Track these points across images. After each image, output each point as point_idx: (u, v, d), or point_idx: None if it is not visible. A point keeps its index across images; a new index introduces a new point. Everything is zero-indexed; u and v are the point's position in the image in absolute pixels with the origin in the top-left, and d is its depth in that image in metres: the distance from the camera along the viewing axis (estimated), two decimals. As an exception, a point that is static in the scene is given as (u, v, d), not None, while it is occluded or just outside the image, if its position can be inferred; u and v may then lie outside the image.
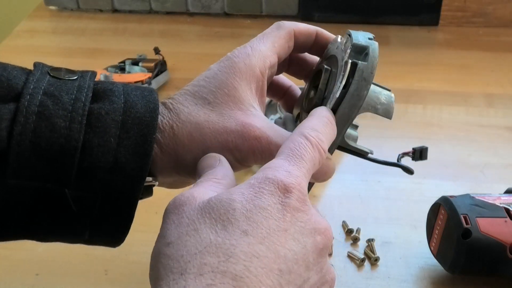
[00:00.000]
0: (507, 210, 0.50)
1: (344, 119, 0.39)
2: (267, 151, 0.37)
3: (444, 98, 0.81)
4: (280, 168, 0.33)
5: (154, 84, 0.81)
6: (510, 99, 0.81)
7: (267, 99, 0.51)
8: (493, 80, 0.86)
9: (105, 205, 0.36)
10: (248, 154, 0.38)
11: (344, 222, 0.59)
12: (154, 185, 0.39)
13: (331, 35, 0.44)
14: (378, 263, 0.55)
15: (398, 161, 0.45)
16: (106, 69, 0.82)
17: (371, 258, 0.55)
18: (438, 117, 0.78)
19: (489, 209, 0.50)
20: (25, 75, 0.36)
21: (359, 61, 0.38)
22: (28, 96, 0.34)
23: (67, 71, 0.38)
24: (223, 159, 0.37)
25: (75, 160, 0.34)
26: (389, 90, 0.42)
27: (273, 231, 0.30)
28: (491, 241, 0.48)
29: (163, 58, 0.86)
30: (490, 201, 0.51)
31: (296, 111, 0.46)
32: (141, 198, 0.37)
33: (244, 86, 0.39)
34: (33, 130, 0.33)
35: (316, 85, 0.42)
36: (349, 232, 0.58)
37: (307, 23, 0.44)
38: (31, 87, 0.35)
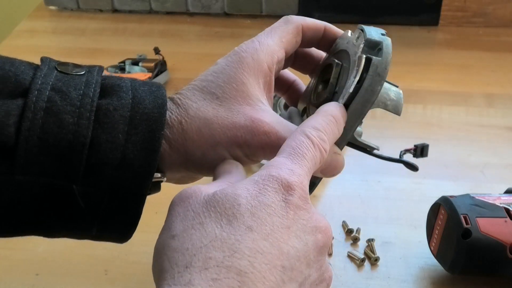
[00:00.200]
0: (507, 210, 0.50)
1: (356, 114, 0.39)
2: (276, 146, 0.37)
3: (444, 98, 0.81)
4: (283, 166, 0.33)
5: (154, 84, 0.81)
6: (510, 99, 0.81)
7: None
8: (493, 80, 0.86)
9: (113, 201, 0.36)
10: (258, 149, 0.38)
11: (344, 222, 0.59)
12: (162, 181, 0.38)
13: (339, 30, 0.44)
14: (378, 263, 0.55)
15: (400, 157, 0.45)
16: (106, 69, 0.82)
17: (371, 258, 0.55)
18: (438, 117, 0.78)
19: (489, 209, 0.50)
20: (32, 70, 0.36)
21: (374, 57, 0.38)
22: (36, 92, 0.34)
23: (74, 65, 0.38)
24: (240, 166, 0.37)
25: (83, 156, 0.34)
26: (397, 87, 0.42)
27: (276, 228, 0.31)
28: (491, 241, 0.48)
29: (163, 58, 0.86)
30: (490, 201, 0.51)
31: (301, 106, 0.46)
32: (148, 194, 0.37)
33: (252, 81, 0.39)
34: (41, 126, 0.33)
35: (324, 79, 0.42)
36: (349, 232, 0.58)
37: None
38: (39, 82, 0.35)
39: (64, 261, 0.55)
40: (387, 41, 0.39)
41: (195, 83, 0.40)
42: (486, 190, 0.62)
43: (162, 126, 0.36)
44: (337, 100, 0.39)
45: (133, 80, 0.38)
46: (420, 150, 0.47)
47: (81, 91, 0.35)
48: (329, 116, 0.37)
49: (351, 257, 0.56)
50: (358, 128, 0.42)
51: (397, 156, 0.45)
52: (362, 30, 0.41)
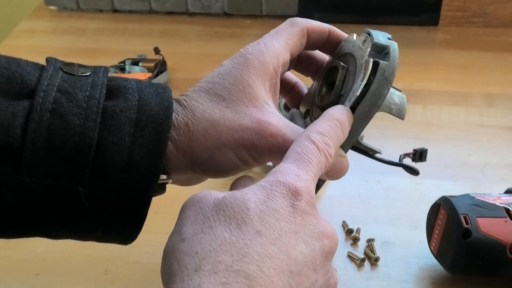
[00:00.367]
0: (507, 210, 0.50)
1: (363, 117, 0.39)
2: (283, 148, 0.37)
3: (444, 98, 0.81)
4: (289, 172, 0.33)
5: (154, 84, 0.81)
6: (510, 99, 0.81)
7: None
8: (493, 80, 0.86)
9: (119, 203, 0.36)
10: (264, 151, 0.38)
11: (344, 222, 0.59)
12: (167, 183, 0.38)
13: (343, 34, 0.44)
14: (378, 263, 0.55)
15: (400, 161, 0.45)
16: (106, 69, 0.82)
17: (371, 258, 0.55)
18: (438, 117, 0.78)
19: (489, 209, 0.50)
20: (38, 71, 0.36)
21: (381, 60, 0.38)
22: (42, 93, 0.34)
23: (80, 66, 0.38)
24: (256, 180, 0.37)
25: (89, 158, 0.34)
26: (400, 91, 0.42)
27: (284, 233, 0.31)
28: (491, 241, 0.48)
29: (163, 58, 0.86)
30: (490, 201, 0.51)
31: (303, 108, 0.46)
32: (154, 195, 0.37)
33: (258, 83, 0.39)
34: (48, 128, 0.33)
35: (329, 82, 0.42)
36: (349, 232, 0.58)
37: None
38: (45, 83, 0.35)
39: (64, 261, 0.55)
40: (394, 46, 0.40)
41: (201, 85, 0.40)
42: (486, 190, 0.62)
43: (168, 128, 0.36)
44: (343, 103, 0.39)
45: (139, 82, 0.38)
46: (419, 155, 0.48)
47: (87, 93, 0.35)
48: (334, 121, 0.37)
49: (351, 257, 0.56)
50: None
51: (395, 159, 0.45)
52: (369, 34, 0.41)
